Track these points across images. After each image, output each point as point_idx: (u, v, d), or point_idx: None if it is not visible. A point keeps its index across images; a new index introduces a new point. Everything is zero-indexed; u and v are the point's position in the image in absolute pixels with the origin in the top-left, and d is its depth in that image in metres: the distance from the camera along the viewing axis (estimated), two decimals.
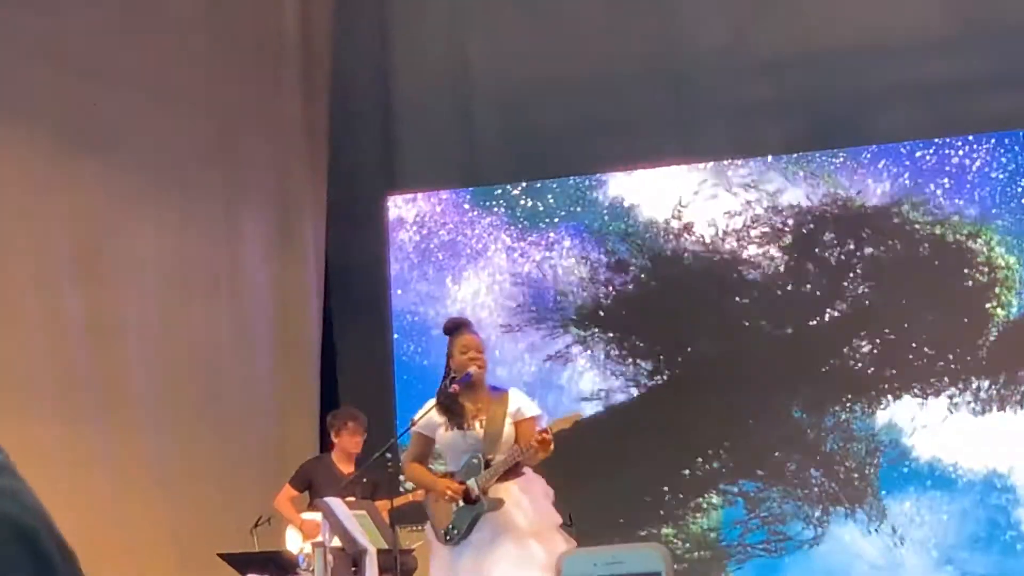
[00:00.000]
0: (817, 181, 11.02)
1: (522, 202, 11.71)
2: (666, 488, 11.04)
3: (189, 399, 10.64)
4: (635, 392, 11.29)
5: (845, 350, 10.78)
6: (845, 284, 10.84)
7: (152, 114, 10.54)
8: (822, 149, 11.10)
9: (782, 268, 11.01)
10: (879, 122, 10.99)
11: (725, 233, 11.15)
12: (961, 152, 10.82)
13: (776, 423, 10.87)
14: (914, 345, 10.70)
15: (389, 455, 9.76)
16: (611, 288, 11.37)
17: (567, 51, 11.54)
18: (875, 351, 10.76)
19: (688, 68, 11.36)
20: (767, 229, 11.06)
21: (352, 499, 9.15)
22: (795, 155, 11.11)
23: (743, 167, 11.22)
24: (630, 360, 11.27)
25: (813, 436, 10.81)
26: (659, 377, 11.22)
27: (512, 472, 7.47)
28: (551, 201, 11.66)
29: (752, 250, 11.09)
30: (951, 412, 10.59)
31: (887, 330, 10.76)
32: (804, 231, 10.98)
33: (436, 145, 11.89)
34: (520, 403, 7.58)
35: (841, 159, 11.04)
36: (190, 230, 10.86)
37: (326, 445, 10.19)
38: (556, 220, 11.62)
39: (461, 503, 7.48)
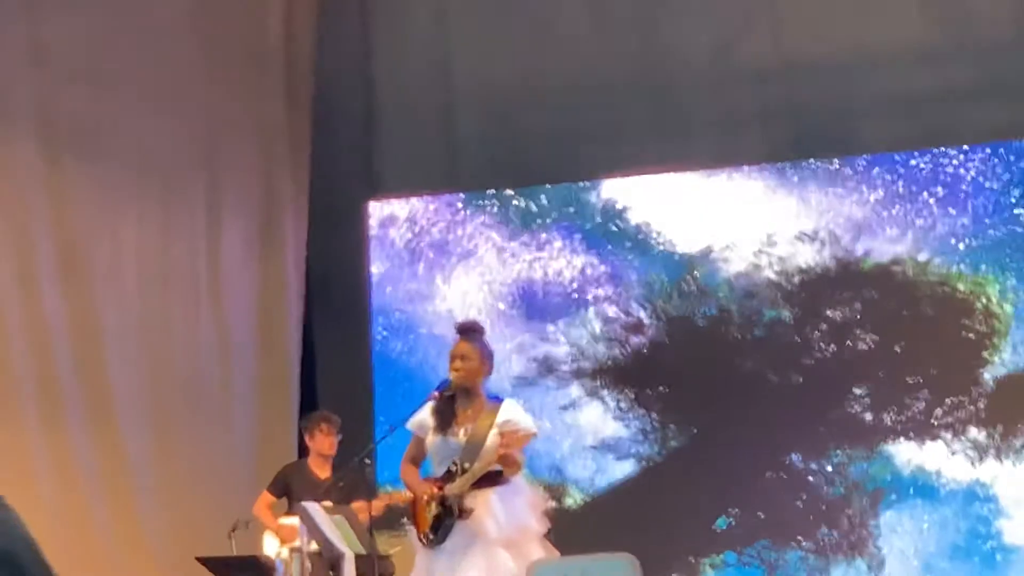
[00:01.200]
0: (808, 196, 11.06)
1: (515, 203, 11.74)
2: (675, 545, 11.10)
3: (169, 402, 10.65)
4: (643, 446, 11.31)
5: (848, 398, 10.84)
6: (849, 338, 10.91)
7: (135, 118, 10.54)
8: (806, 159, 11.14)
9: (788, 322, 11.04)
10: (864, 133, 11.02)
11: (732, 289, 11.17)
12: (956, 162, 10.86)
13: (778, 470, 10.93)
14: (912, 393, 10.76)
15: (367, 460, 9.77)
16: (627, 346, 11.39)
17: (550, 59, 11.54)
18: (872, 399, 10.82)
19: (672, 78, 11.36)
20: (773, 282, 11.10)
21: (329, 504, 9.17)
22: (788, 169, 11.15)
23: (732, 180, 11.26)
24: (637, 413, 11.31)
25: (816, 482, 10.86)
26: (669, 431, 11.27)
27: (494, 480, 7.47)
28: (544, 202, 11.68)
29: (756, 303, 11.12)
30: (948, 458, 10.66)
31: (882, 375, 10.81)
32: (809, 289, 11.03)
33: (418, 151, 11.88)
34: (511, 415, 7.57)
35: (836, 165, 11.08)
36: (172, 233, 10.87)
37: (305, 449, 10.20)
38: (548, 221, 11.65)
39: (436, 508, 7.48)
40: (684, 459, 11.16)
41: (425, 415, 7.67)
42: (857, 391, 10.87)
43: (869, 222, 10.97)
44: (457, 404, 7.61)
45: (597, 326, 11.45)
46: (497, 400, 7.70)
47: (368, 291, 11.88)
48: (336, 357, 11.83)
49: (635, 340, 11.34)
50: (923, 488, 10.73)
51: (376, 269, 11.95)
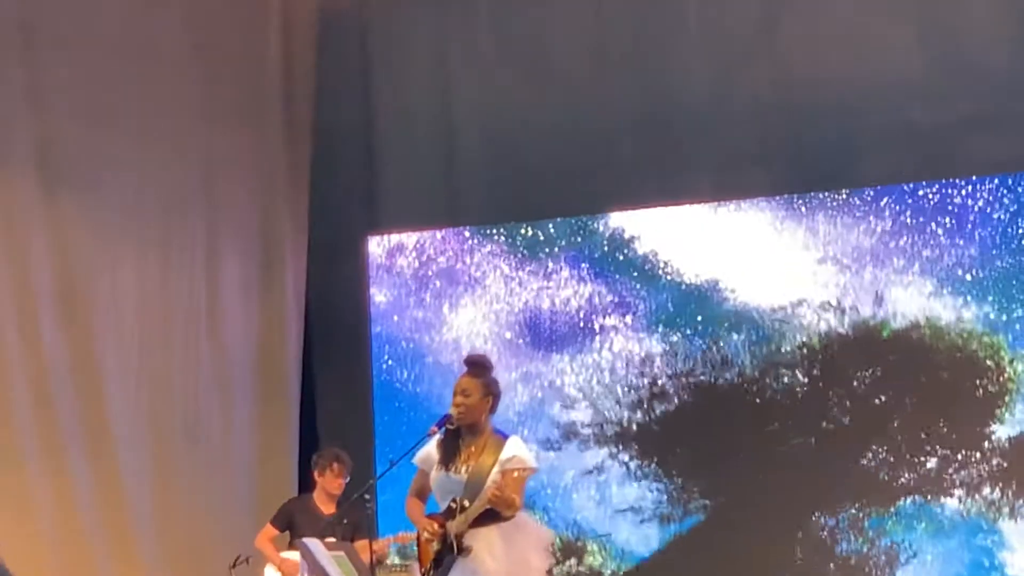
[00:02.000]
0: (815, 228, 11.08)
1: (522, 232, 11.75)
2: None
3: (168, 437, 10.64)
4: (666, 508, 11.31)
5: (865, 457, 10.84)
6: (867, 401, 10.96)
7: (134, 155, 10.56)
8: (806, 192, 11.16)
9: (804, 387, 11.05)
10: (864, 167, 11.02)
11: (752, 354, 11.20)
12: (963, 193, 10.88)
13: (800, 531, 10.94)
14: (927, 450, 10.75)
15: (368, 496, 9.76)
16: (650, 411, 11.40)
17: (550, 95, 11.56)
18: (890, 457, 10.82)
19: (673, 114, 11.37)
20: (788, 349, 11.12)
21: (332, 540, 9.15)
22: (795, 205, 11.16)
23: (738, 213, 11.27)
24: (658, 476, 11.31)
25: (829, 540, 10.85)
26: (693, 494, 11.28)
27: (496, 517, 7.36)
28: (551, 231, 11.70)
29: (774, 367, 11.15)
30: (962, 517, 10.68)
31: (899, 437, 10.82)
32: (827, 352, 11.07)
33: (417, 186, 11.90)
34: (515, 452, 7.44)
35: (844, 196, 11.11)
36: (171, 269, 10.87)
37: (306, 485, 10.18)
38: (556, 250, 11.66)
39: (437, 545, 7.40)
40: (706, 522, 11.21)
41: (431, 449, 7.57)
42: (874, 450, 10.85)
43: (877, 253, 10.98)
44: (462, 440, 7.52)
45: (605, 357, 11.42)
46: (503, 436, 7.62)
47: (368, 326, 11.87)
48: (336, 392, 11.83)
49: (656, 403, 11.35)
50: (938, 544, 10.74)
51: (383, 297, 11.96)
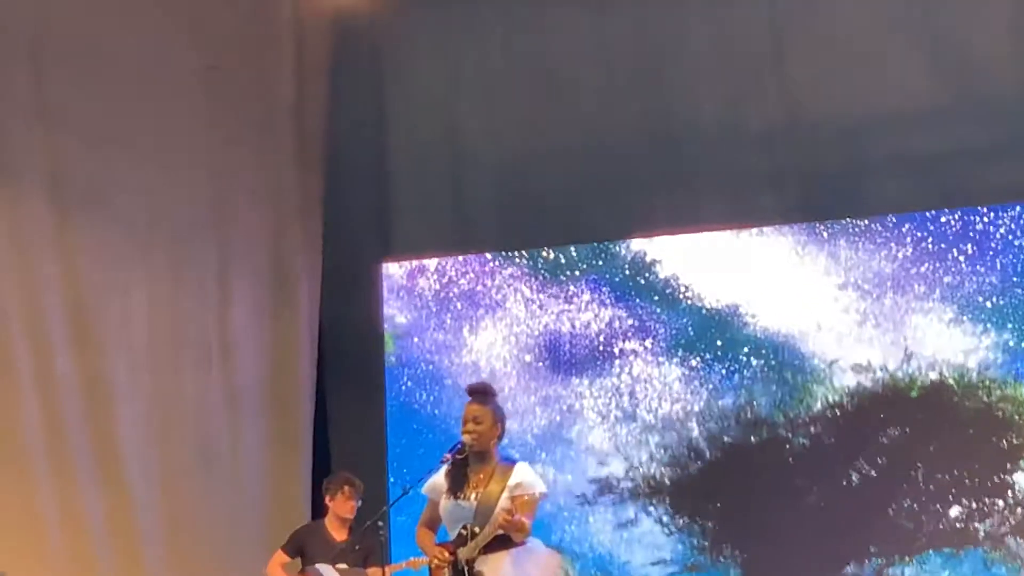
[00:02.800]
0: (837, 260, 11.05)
1: (543, 255, 11.73)
2: None
3: (179, 462, 10.61)
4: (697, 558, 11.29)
5: (891, 507, 10.81)
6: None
7: (146, 178, 10.55)
8: (818, 220, 11.16)
9: (832, 441, 11.05)
10: (874, 194, 11.02)
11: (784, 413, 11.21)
12: (985, 221, 10.89)
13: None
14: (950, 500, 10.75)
15: (381, 523, 9.71)
16: (680, 468, 11.37)
17: (562, 119, 11.54)
18: (915, 507, 10.81)
19: (685, 138, 11.35)
20: (819, 408, 11.10)
21: (344, 566, 9.12)
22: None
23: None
24: (691, 531, 11.28)
25: None
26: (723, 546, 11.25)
27: (507, 543, 7.41)
28: (573, 254, 11.70)
29: (800, 424, 11.13)
30: (985, 567, 10.65)
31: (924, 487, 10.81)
32: (854, 408, 11.07)
33: (431, 212, 11.88)
34: (523, 478, 7.52)
35: (866, 222, 11.12)
36: (182, 293, 10.85)
37: (318, 511, 10.15)
38: (577, 273, 11.64)
39: (449, 572, 7.44)
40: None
41: (439, 478, 7.65)
42: (899, 501, 10.84)
43: (898, 279, 10.97)
44: (469, 467, 7.58)
45: (624, 381, 11.41)
46: (510, 462, 7.65)
47: (382, 352, 11.85)
48: (349, 419, 11.79)
49: (688, 460, 11.32)
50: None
51: (404, 319, 11.93)
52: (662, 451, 11.37)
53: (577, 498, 11.41)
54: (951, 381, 10.84)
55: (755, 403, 11.20)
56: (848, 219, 11.11)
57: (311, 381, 11.57)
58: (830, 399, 11.07)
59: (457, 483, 7.54)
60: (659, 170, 11.39)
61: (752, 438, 11.18)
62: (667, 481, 11.36)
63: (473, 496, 7.50)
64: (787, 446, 11.12)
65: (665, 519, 11.33)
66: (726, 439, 11.25)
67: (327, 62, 11.86)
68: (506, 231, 11.77)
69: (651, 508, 11.35)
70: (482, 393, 7.75)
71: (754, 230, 11.30)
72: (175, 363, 10.70)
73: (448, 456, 7.57)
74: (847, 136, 10.96)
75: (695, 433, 11.32)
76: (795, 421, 11.11)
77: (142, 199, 10.55)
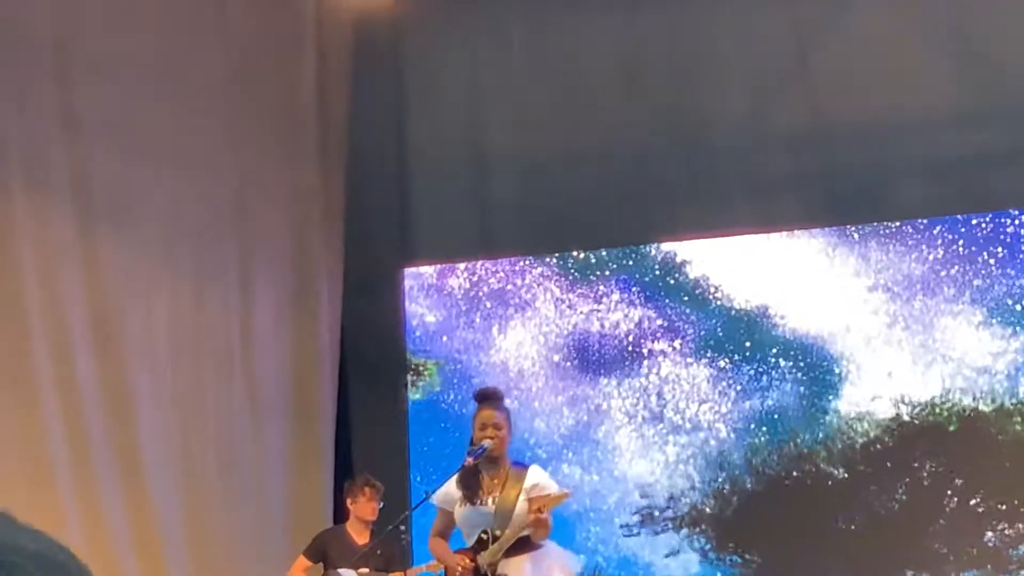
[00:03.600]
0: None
1: (573, 254, 11.72)
2: None
3: (201, 469, 10.61)
4: None
5: (926, 535, 10.78)
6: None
7: (168, 183, 10.56)
8: (841, 224, 11.13)
9: (870, 473, 11.02)
10: (901, 197, 10.97)
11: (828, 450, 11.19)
12: (1016, 223, 10.86)
13: None
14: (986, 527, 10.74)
15: (403, 527, 9.71)
16: (723, 500, 11.35)
17: (585, 122, 11.51)
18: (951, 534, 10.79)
19: (707, 140, 11.32)
20: (861, 444, 11.08)
21: (366, 571, 9.12)
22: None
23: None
24: (732, 561, 11.26)
25: None
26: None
27: (526, 546, 7.50)
28: (603, 254, 11.69)
29: (844, 460, 11.10)
30: None
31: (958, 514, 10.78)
32: (891, 442, 11.03)
33: (453, 215, 11.86)
34: (538, 480, 7.62)
35: (897, 225, 11.06)
36: (205, 299, 10.85)
37: (340, 515, 10.14)
38: (607, 273, 11.62)
39: None
40: None
41: (450, 488, 7.73)
42: (936, 527, 10.82)
43: (928, 281, 10.93)
44: (482, 473, 7.59)
45: (652, 381, 11.41)
46: (522, 466, 7.72)
47: (404, 354, 11.83)
48: (371, 423, 11.79)
49: (729, 491, 11.30)
50: None
51: (433, 318, 11.93)
52: (705, 484, 11.34)
53: (622, 527, 11.40)
54: (984, 408, 10.79)
55: (798, 439, 11.17)
56: (877, 223, 11.07)
57: (333, 385, 11.56)
58: (871, 434, 11.03)
59: (472, 489, 7.61)
60: (683, 173, 11.36)
61: (795, 472, 11.14)
62: (707, 510, 11.33)
63: (491, 501, 7.59)
64: (829, 482, 11.09)
65: (707, 549, 11.32)
66: (768, 472, 11.22)
67: (349, 65, 11.86)
68: (528, 235, 11.75)
69: (694, 538, 11.34)
70: (496, 398, 7.82)
71: (784, 233, 11.27)
72: (197, 368, 10.70)
73: (471, 460, 7.60)
74: (875, 140, 10.92)
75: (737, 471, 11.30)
76: (834, 454, 11.07)
77: (165, 205, 10.57)
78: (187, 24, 10.78)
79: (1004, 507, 10.64)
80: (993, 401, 10.77)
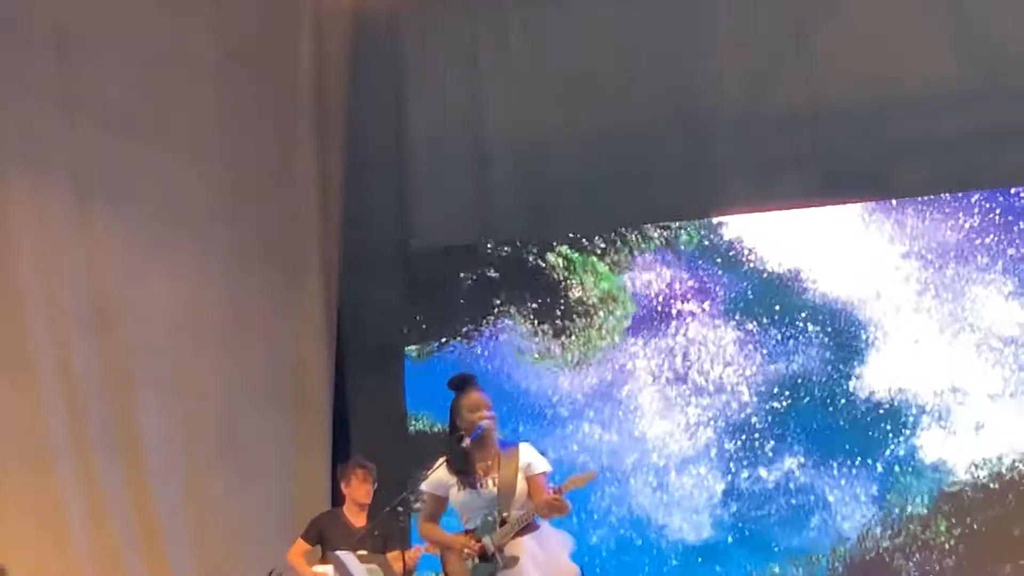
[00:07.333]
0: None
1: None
2: None
3: (201, 452, 10.66)
4: None
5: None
6: None
7: (166, 166, 10.60)
8: (841, 202, 11.09)
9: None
10: (899, 174, 10.95)
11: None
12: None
13: None
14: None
15: (400, 508, 9.73)
16: None
17: (584, 105, 11.48)
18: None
19: (706, 121, 11.30)
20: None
21: (364, 552, 9.14)
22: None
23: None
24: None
25: None
26: None
27: (527, 527, 7.51)
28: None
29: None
30: None
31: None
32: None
33: (451, 199, 11.85)
34: (530, 458, 7.63)
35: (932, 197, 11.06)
36: (203, 282, 10.88)
37: (338, 498, 10.16)
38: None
39: (477, 560, 7.54)
40: None
41: (441, 473, 7.72)
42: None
43: (962, 249, 10.91)
44: (473, 455, 7.63)
45: (679, 342, 11.43)
46: (511, 445, 7.74)
47: (402, 338, 11.83)
48: (369, 406, 11.80)
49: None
50: None
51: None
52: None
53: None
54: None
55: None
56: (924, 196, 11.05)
57: (331, 368, 11.58)
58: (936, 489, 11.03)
59: (467, 473, 7.61)
60: (683, 156, 11.35)
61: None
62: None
63: (491, 482, 7.58)
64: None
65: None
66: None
67: (347, 48, 11.86)
68: (529, 217, 11.73)
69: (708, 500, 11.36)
70: (475, 381, 7.87)
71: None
72: (195, 350, 10.73)
73: (469, 442, 7.60)
74: (867, 118, 10.92)
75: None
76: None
77: (163, 188, 10.60)
78: (186, 7, 10.80)
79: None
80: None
